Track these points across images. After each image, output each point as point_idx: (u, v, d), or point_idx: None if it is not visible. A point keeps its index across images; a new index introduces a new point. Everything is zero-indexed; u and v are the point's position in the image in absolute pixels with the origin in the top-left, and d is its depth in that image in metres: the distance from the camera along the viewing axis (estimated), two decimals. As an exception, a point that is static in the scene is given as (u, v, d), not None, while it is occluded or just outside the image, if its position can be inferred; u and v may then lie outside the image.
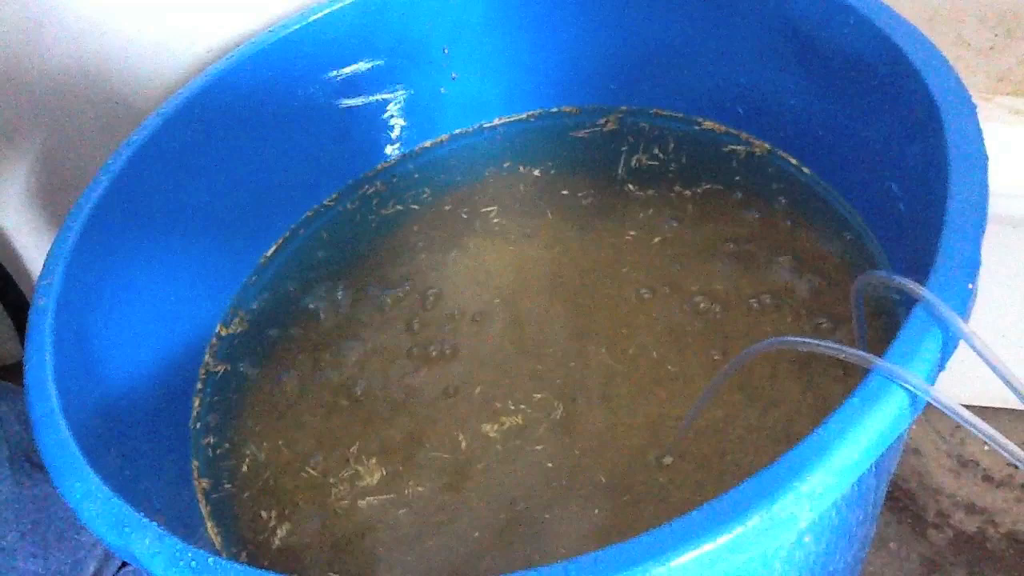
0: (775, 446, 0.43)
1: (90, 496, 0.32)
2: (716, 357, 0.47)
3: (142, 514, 0.31)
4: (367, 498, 0.45)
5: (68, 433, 0.34)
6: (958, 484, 0.62)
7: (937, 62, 0.39)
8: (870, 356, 0.28)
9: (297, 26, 0.55)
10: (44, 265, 0.42)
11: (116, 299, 0.46)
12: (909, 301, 0.30)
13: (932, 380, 0.28)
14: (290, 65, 0.56)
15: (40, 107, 0.60)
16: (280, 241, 0.60)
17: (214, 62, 0.54)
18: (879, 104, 0.44)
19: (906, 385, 0.27)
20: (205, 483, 0.47)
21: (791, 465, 0.26)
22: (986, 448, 0.63)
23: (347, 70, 0.58)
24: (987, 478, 0.62)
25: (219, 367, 0.53)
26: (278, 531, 0.45)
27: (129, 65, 0.59)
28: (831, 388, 0.44)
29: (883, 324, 0.45)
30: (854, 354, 0.29)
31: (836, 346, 0.29)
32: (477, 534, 0.42)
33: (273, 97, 0.56)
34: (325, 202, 0.62)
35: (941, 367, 0.29)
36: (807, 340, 0.30)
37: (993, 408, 0.63)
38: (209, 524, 0.45)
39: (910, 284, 0.30)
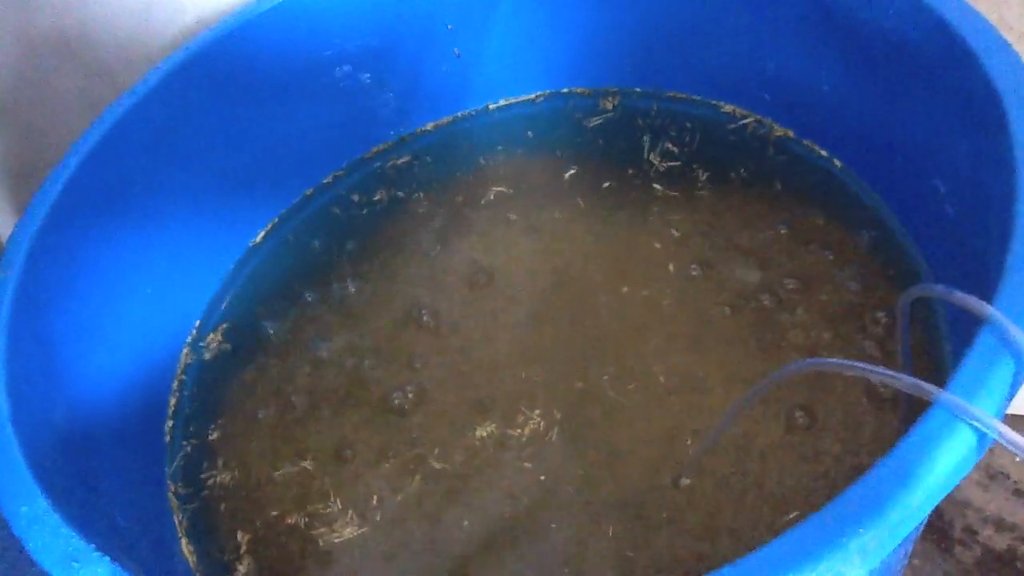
0: (803, 465, 0.40)
1: (37, 523, 0.29)
2: (735, 366, 0.44)
3: (94, 546, 0.28)
4: (352, 513, 0.42)
5: (18, 450, 0.31)
6: (987, 498, 0.59)
7: (998, 46, 0.35)
8: (932, 388, 0.24)
9: (289, -4, 0.51)
10: (1, 257, 0.38)
11: (84, 295, 0.43)
12: (953, 314, 0.26)
13: (1001, 415, 0.25)
14: (281, 38, 0.53)
15: (20, 79, 0.57)
16: (268, 227, 0.57)
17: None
18: (927, 93, 0.40)
19: (974, 423, 0.23)
20: (180, 496, 0.45)
21: (839, 518, 0.22)
22: (1017, 459, 0.60)
23: (342, 44, 0.55)
24: (1018, 492, 0.59)
25: (198, 369, 0.50)
26: (256, 548, 0.42)
27: (113, 36, 0.57)
28: (860, 400, 0.41)
29: (918, 338, 0.41)
30: (912, 384, 0.25)
31: (891, 373, 0.25)
32: (470, 555, 0.40)
33: (263, 72, 0.53)
34: (316, 187, 0.59)
35: (1010, 399, 0.25)
36: (855, 364, 0.26)
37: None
38: (184, 540, 0.42)
39: (975, 302, 0.26)
